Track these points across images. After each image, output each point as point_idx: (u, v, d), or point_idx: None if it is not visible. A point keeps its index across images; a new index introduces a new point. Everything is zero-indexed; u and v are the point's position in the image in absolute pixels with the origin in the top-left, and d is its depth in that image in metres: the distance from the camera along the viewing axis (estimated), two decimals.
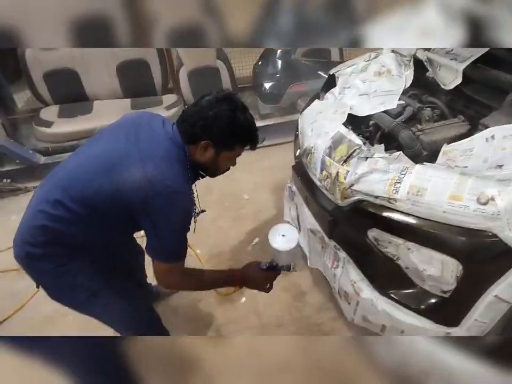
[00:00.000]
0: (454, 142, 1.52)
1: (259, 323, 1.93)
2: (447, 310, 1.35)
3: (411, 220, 1.30)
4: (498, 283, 1.22)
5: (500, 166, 1.29)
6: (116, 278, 1.40)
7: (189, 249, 1.80)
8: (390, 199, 1.33)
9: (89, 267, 1.31)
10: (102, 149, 1.21)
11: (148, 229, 1.20)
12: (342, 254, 1.64)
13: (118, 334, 1.53)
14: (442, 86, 1.78)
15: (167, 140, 1.21)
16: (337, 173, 1.54)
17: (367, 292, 1.54)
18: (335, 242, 1.66)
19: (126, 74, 3.41)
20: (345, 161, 1.53)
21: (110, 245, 1.36)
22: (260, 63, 3.57)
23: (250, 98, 3.79)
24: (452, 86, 1.75)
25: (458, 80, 1.73)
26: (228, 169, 1.37)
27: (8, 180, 3.10)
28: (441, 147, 1.52)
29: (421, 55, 1.94)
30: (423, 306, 1.40)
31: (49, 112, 3.29)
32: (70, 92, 3.37)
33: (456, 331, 1.36)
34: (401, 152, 1.46)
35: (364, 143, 1.60)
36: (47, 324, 2.03)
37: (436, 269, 1.30)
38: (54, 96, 3.36)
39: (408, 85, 1.92)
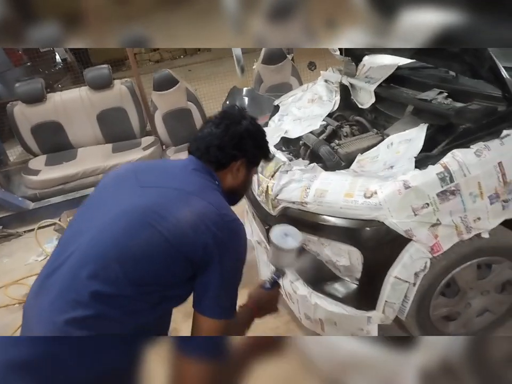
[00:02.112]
0: (367, 151, 1.77)
1: None
2: (363, 295, 1.53)
3: (319, 218, 1.51)
4: (395, 265, 1.41)
5: (392, 167, 1.52)
6: None
7: None
8: (302, 202, 1.55)
9: None
10: (120, 208, 0.94)
11: (208, 278, 0.94)
12: None
13: None
14: (360, 106, 2.05)
15: (192, 172, 1.05)
16: (267, 186, 1.77)
17: (302, 289, 1.73)
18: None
19: (106, 121, 3.76)
20: (272, 176, 1.77)
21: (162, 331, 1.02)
22: (227, 101, 3.90)
23: None
24: (367, 106, 2.02)
25: (372, 100, 2.00)
26: None
27: (0, 227, 3.36)
28: (356, 157, 1.77)
29: (345, 81, 2.23)
30: (346, 296, 1.58)
31: (37, 162, 3.61)
32: (55, 142, 3.71)
33: (375, 314, 1.53)
34: (314, 163, 1.71)
35: (291, 160, 1.85)
36: None
37: (346, 259, 1.50)
38: (41, 147, 3.70)
39: (335, 108, 2.20)
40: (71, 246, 0.92)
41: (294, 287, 1.77)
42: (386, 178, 1.41)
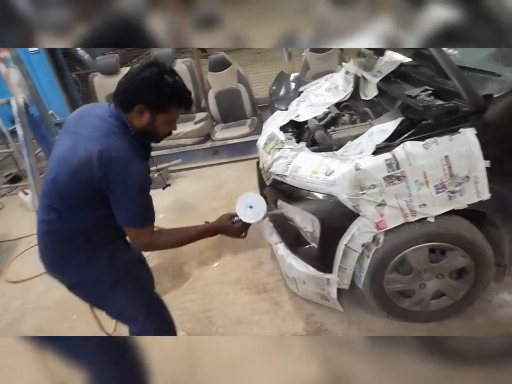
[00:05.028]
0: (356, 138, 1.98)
1: (222, 280, 2.49)
2: (321, 259, 1.79)
3: (292, 189, 1.78)
4: (346, 235, 1.65)
5: (361, 152, 1.73)
6: (131, 269, 1.52)
7: None
8: (283, 175, 1.83)
9: (107, 262, 1.42)
10: (58, 150, 1.32)
11: (112, 201, 1.28)
12: (271, 224, 2.15)
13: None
14: (363, 98, 2.23)
15: (105, 119, 1.29)
16: (265, 161, 2.07)
17: (282, 250, 2.02)
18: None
19: None
20: (269, 152, 2.06)
21: (109, 231, 1.41)
22: (274, 87, 4.17)
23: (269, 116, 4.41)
24: (369, 98, 2.20)
25: (375, 93, 2.17)
26: (170, 133, 1.41)
27: None
28: (346, 143, 1.99)
29: (359, 73, 2.40)
30: (311, 258, 1.85)
31: None
32: None
33: (332, 277, 1.79)
34: (303, 144, 1.96)
35: (290, 139, 2.12)
36: None
37: (310, 226, 1.76)
38: None
39: (346, 98, 2.40)
40: (45, 174, 1.38)
41: (276, 248, 2.07)
42: (345, 161, 1.64)
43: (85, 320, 2.38)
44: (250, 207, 1.51)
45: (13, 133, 4.11)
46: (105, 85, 4.21)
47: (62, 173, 1.27)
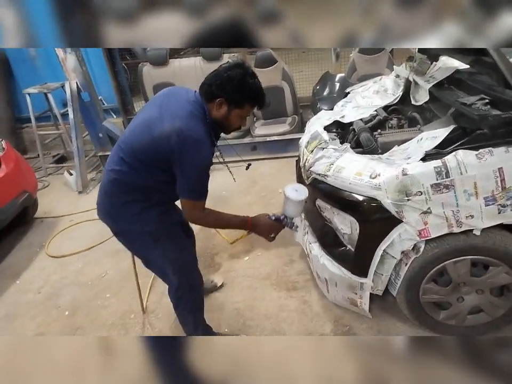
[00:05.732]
0: (403, 144, 1.94)
1: (252, 274, 2.51)
2: (357, 262, 1.77)
3: (333, 190, 1.77)
4: (386, 240, 1.62)
5: (409, 158, 1.69)
6: (175, 229, 1.71)
7: None
8: (325, 175, 1.82)
9: (154, 219, 1.60)
10: (144, 116, 1.52)
11: (177, 171, 1.45)
12: (307, 223, 2.14)
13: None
14: (413, 103, 2.17)
15: (190, 102, 1.47)
16: (306, 159, 2.07)
17: (316, 250, 2.02)
18: (303, 213, 2.17)
19: None
20: (312, 151, 2.05)
21: (164, 194, 1.60)
22: (318, 87, 4.14)
23: (311, 115, 4.38)
24: (420, 103, 2.14)
25: (426, 98, 2.11)
26: (240, 128, 1.60)
27: None
28: (392, 147, 1.95)
29: (410, 78, 2.34)
30: (346, 260, 1.83)
31: None
32: None
33: (366, 281, 1.77)
34: (348, 145, 1.94)
35: (334, 139, 2.10)
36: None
37: (348, 228, 1.75)
38: None
39: (395, 102, 2.35)
40: (128, 127, 1.59)
41: (310, 247, 2.07)
42: (392, 165, 1.61)
43: (117, 299, 2.48)
44: (296, 190, 1.67)
45: (64, 115, 4.33)
46: (153, 75, 4.32)
47: (142, 137, 1.46)
